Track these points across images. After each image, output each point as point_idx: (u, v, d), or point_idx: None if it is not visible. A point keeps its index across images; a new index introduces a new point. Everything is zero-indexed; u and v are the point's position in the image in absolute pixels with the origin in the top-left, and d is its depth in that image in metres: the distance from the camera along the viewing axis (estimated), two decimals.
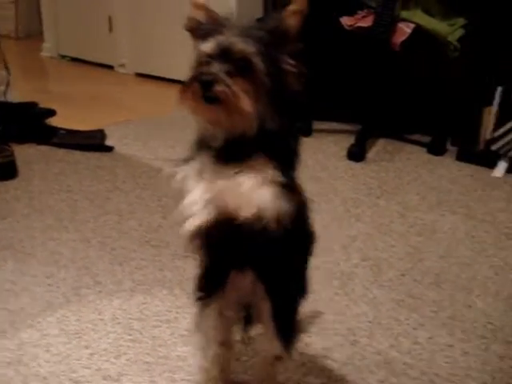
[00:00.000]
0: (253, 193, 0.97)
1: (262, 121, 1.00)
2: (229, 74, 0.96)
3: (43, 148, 2.80)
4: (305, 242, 1.21)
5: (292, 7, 0.97)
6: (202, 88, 0.97)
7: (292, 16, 0.97)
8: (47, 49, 4.78)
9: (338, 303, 1.70)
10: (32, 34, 5.35)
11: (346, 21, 2.81)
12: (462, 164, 2.75)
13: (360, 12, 2.82)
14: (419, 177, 2.61)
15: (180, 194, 1.03)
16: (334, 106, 3.13)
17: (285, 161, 1.03)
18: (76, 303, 1.67)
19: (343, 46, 2.88)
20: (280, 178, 1.00)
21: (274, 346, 1.19)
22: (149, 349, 1.48)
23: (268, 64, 0.97)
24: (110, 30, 4.28)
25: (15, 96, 3.12)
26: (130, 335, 1.54)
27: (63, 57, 4.68)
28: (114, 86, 4.03)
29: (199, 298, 1.18)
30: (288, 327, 1.20)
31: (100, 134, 2.87)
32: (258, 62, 0.97)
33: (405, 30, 2.64)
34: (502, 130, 2.68)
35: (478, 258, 1.96)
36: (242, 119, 0.98)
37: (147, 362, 1.44)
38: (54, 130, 2.91)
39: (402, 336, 1.56)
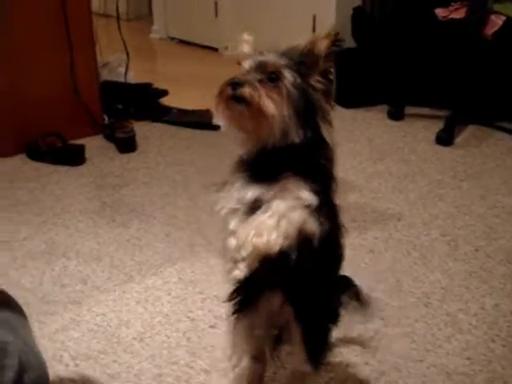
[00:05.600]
0: (280, 221, 1.02)
1: (285, 129, 1.07)
2: (260, 81, 1.08)
3: (158, 125, 3.16)
4: (334, 265, 1.25)
5: (323, 34, 1.11)
6: (232, 89, 1.07)
7: (322, 41, 1.10)
8: (156, 31, 5.10)
9: (415, 271, 1.92)
10: (141, 15, 5.74)
11: (440, 12, 2.97)
12: None
13: (453, 4, 2.96)
14: (503, 163, 2.74)
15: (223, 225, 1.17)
16: (426, 92, 3.27)
17: (318, 182, 1.09)
18: (191, 258, 1.99)
19: (436, 35, 3.03)
20: (314, 201, 1.05)
21: (303, 367, 1.27)
22: None
23: (296, 77, 1.08)
24: (216, 14, 4.57)
25: (131, 77, 3.46)
26: None
27: (172, 39, 5.01)
28: (218, 67, 4.29)
29: (233, 312, 1.21)
30: (317, 350, 1.27)
31: (208, 114, 3.18)
32: (287, 74, 1.08)
33: (496, 21, 2.78)
34: None
35: None
36: (265, 122, 1.07)
37: None
38: (167, 109, 3.26)
39: (470, 302, 1.77)
